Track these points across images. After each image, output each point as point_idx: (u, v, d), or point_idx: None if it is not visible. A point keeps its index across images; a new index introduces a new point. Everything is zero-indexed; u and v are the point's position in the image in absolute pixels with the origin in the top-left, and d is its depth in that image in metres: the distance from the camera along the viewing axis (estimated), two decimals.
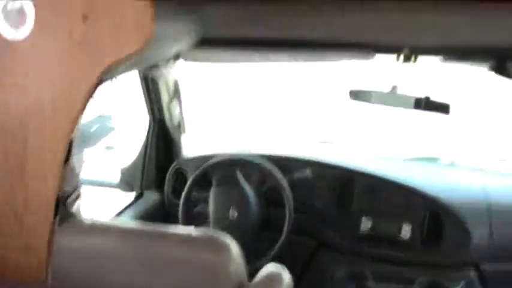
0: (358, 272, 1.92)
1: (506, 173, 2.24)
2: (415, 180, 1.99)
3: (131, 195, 2.17)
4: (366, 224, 1.94)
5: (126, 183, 2.19)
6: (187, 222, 1.92)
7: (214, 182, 1.91)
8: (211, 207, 1.90)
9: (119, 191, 2.19)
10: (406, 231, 1.91)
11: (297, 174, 1.99)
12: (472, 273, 1.90)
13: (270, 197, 2.00)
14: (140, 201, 2.14)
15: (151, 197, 2.17)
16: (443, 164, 2.37)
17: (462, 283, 1.87)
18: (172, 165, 2.17)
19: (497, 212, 1.92)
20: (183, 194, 1.94)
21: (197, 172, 1.93)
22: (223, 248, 0.96)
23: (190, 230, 1.05)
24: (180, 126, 2.14)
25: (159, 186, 2.19)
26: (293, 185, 1.98)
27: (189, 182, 1.95)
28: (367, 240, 1.95)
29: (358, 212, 1.96)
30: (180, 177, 2.16)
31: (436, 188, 1.96)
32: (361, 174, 1.99)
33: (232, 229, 1.86)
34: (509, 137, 2.70)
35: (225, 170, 1.91)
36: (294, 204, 1.90)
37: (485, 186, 2.01)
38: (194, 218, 2.02)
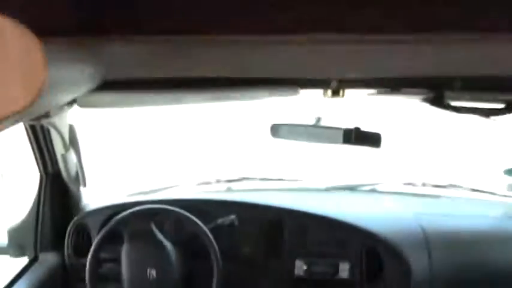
0: None
1: (430, 195, 2.18)
2: (346, 213, 1.85)
3: (23, 260, 1.82)
4: (300, 267, 1.76)
5: (16, 246, 1.84)
6: (95, 286, 1.62)
7: (126, 238, 1.64)
8: (124, 267, 1.62)
9: (6, 257, 1.83)
10: (343, 270, 1.75)
11: (220, 220, 1.77)
12: None
13: (192, 248, 1.77)
14: (35, 266, 1.80)
15: (49, 259, 1.84)
16: (365, 190, 2.26)
17: None
18: (73, 221, 1.86)
19: (434, 240, 1.82)
20: (90, 253, 1.64)
21: (106, 228, 1.65)
22: None
23: None
24: (78, 178, 1.85)
25: (57, 247, 1.86)
26: (217, 233, 1.76)
27: (97, 239, 1.65)
28: (303, 285, 1.77)
29: (290, 255, 1.78)
30: (82, 234, 1.85)
31: (369, 220, 1.83)
32: (289, 212, 1.82)
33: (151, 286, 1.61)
34: (423, 159, 2.68)
35: (138, 222, 1.64)
36: (220, 253, 1.68)
37: (417, 213, 1.91)
38: (104, 279, 1.72)
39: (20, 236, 1.83)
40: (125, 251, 1.63)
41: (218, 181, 2.21)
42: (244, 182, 2.22)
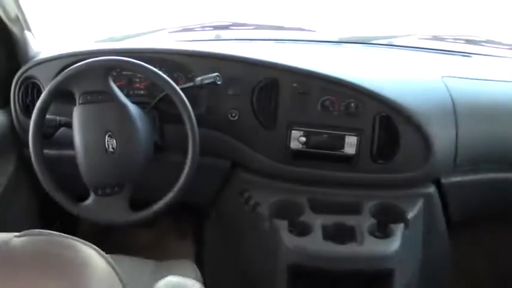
0: (288, 201, 1.44)
1: (462, 53, 1.79)
2: (357, 73, 1.49)
3: None
4: (296, 138, 1.44)
5: None
6: (39, 151, 1.30)
7: (77, 98, 1.28)
8: (76, 137, 1.29)
9: None
10: (350, 144, 1.43)
11: (199, 79, 1.41)
12: (432, 190, 1.49)
13: (161, 112, 1.43)
14: None
15: None
16: (382, 45, 1.87)
17: (420, 203, 1.46)
18: (19, 72, 1.50)
19: (464, 110, 1.48)
20: (34, 111, 1.30)
21: (52, 83, 1.29)
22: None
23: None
24: (18, 20, 1.44)
25: (4, 103, 1.52)
26: (193, 94, 1.41)
27: (42, 95, 1.30)
28: (300, 158, 1.46)
29: (285, 123, 1.44)
30: (32, 89, 1.50)
31: (384, 83, 1.47)
32: (287, 70, 1.45)
33: (111, 165, 1.30)
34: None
35: (92, 78, 1.28)
36: (199, 117, 1.35)
37: (445, 76, 1.55)
38: (57, 144, 1.41)
39: None
40: (76, 114, 1.29)
41: (203, 27, 1.81)
42: (235, 29, 1.81)
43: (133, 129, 1.29)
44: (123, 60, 1.29)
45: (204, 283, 1.79)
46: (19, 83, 1.49)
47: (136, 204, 1.34)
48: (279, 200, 1.44)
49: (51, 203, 1.33)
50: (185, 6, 2.20)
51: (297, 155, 1.45)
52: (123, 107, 1.29)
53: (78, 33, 1.87)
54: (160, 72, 1.30)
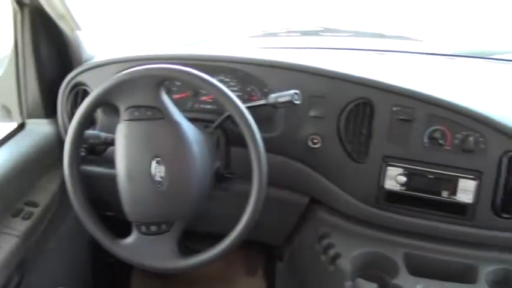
0: (378, 255, 1.14)
1: None
2: (476, 97, 1.15)
3: (11, 126, 1.33)
4: (393, 176, 1.13)
5: (2, 108, 1.35)
6: (75, 175, 1.07)
7: (123, 114, 1.05)
8: (119, 158, 1.05)
9: None
10: (466, 189, 1.10)
11: (273, 96, 1.14)
12: None
13: (231, 133, 1.18)
14: (20, 136, 1.30)
15: (39, 128, 1.33)
16: (506, 60, 1.51)
17: None
18: (68, 77, 1.30)
19: None
20: (69, 131, 1.07)
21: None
22: None
23: None
24: (64, 18, 1.24)
25: (50, 111, 1.33)
26: (271, 113, 1.14)
27: (79, 111, 1.07)
28: (396, 202, 1.15)
29: (380, 156, 1.14)
30: (83, 96, 1.30)
31: None
32: (386, 91, 1.14)
33: (158, 198, 1.06)
34: None
35: (141, 92, 1.03)
36: (272, 141, 1.08)
37: None
38: (107, 163, 1.19)
39: (3, 95, 1.32)
40: (119, 133, 1.05)
41: (288, 33, 1.53)
42: (326, 36, 1.53)
43: (188, 154, 1.04)
44: (177, 70, 1.04)
45: None
46: (68, 89, 1.30)
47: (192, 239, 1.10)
48: (366, 252, 1.14)
49: None
50: (270, 7, 1.92)
51: (393, 197, 1.14)
52: (177, 126, 1.04)
53: (143, 37, 1.66)
54: (219, 85, 1.04)
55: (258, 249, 1.64)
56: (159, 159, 1.03)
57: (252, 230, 1.05)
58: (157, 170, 1.03)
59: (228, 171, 1.23)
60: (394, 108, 1.13)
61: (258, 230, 1.08)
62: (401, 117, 1.13)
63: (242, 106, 1.05)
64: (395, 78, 1.17)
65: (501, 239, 1.11)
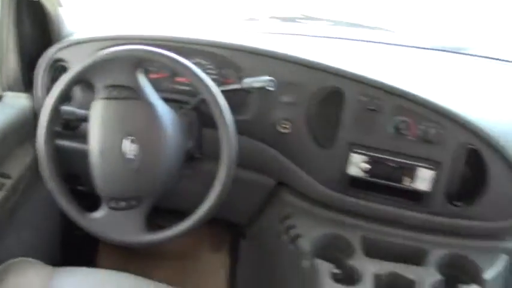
0: (337, 236, 1.20)
1: None
2: (442, 91, 1.21)
3: None
4: (357, 162, 1.18)
5: None
6: (48, 149, 1.11)
7: (99, 92, 1.09)
8: (92, 134, 1.09)
9: None
10: (423, 178, 1.16)
11: (247, 81, 1.19)
12: None
13: (205, 114, 1.22)
14: None
15: (16, 101, 1.35)
16: (478, 56, 1.56)
17: (502, 260, 1.17)
18: (47, 52, 1.32)
19: None
20: (44, 107, 1.11)
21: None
22: None
23: None
24: None
25: (31, 86, 1.36)
26: (244, 97, 1.19)
27: (55, 88, 1.10)
28: (358, 187, 1.20)
29: (346, 143, 1.19)
30: (61, 73, 1.32)
31: (478, 107, 1.19)
32: (356, 81, 1.19)
33: (128, 175, 1.10)
34: None
35: (118, 72, 1.07)
36: (243, 124, 1.13)
37: None
38: (81, 137, 1.23)
39: None
40: (94, 110, 1.09)
41: (269, 18, 1.56)
42: (304, 23, 1.56)
43: (161, 134, 1.08)
44: (154, 52, 1.07)
45: None
46: (46, 64, 1.32)
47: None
48: (325, 234, 1.20)
49: None
50: None
51: (355, 183, 1.20)
52: (151, 107, 1.08)
53: (124, 14, 1.68)
54: (194, 68, 1.08)
55: (224, 227, 1.70)
56: (132, 138, 1.07)
57: (219, 208, 1.10)
58: (130, 149, 1.07)
59: (199, 151, 1.27)
60: (363, 98, 1.18)
61: (224, 209, 1.13)
62: (368, 107, 1.17)
63: (215, 89, 1.09)
64: (366, 69, 1.22)
65: (451, 225, 1.17)
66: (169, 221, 1.13)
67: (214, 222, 1.60)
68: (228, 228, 1.70)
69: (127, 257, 1.65)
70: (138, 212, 1.10)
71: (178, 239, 1.56)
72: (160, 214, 1.20)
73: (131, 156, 1.07)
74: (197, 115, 1.25)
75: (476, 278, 1.12)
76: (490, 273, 1.13)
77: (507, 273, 1.17)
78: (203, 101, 1.19)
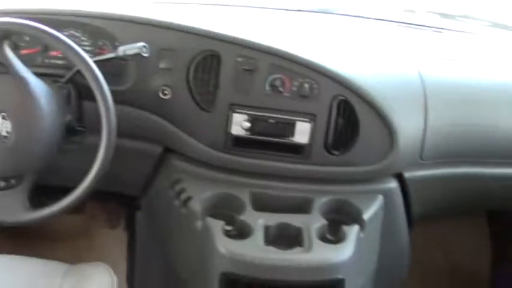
0: (227, 195, 1.24)
1: (435, 28, 1.59)
2: (312, 48, 1.27)
3: None
4: (239, 122, 1.22)
5: None
6: None
7: None
8: None
9: None
10: (302, 131, 1.22)
11: (121, 49, 1.18)
12: (393, 185, 1.31)
13: (82, 86, 1.19)
14: None
15: None
16: (344, 15, 1.66)
17: (378, 200, 1.27)
18: None
19: (434, 94, 1.29)
20: None
21: None
22: None
23: None
24: None
25: None
26: (122, 66, 1.18)
27: None
28: (242, 146, 1.24)
29: (226, 104, 1.22)
30: None
31: (344, 61, 1.27)
32: (230, 43, 1.22)
33: (4, 153, 1.06)
34: None
35: None
36: (123, 94, 1.12)
37: (413, 54, 1.35)
38: None
39: None
40: None
41: None
42: None
43: (35, 109, 1.05)
44: (21, 24, 1.03)
45: (133, 276, 1.60)
46: None
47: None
48: (215, 194, 1.23)
49: None
50: None
51: (239, 142, 1.24)
52: (22, 81, 1.04)
53: None
54: (64, 39, 1.05)
55: (119, 201, 1.68)
56: (4, 114, 1.02)
57: (108, 181, 1.10)
58: (3, 126, 1.03)
59: (81, 125, 1.24)
60: (239, 59, 1.21)
61: (114, 181, 1.13)
62: (245, 68, 1.21)
63: (89, 60, 1.07)
64: (241, 31, 1.25)
65: (332, 173, 1.25)
66: (58, 199, 1.11)
67: (107, 198, 1.58)
68: (123, 203, 1.68)
69: (17, 240, 1.59)
70: (19, 191, 1.06)
71: (70, 218, 1.53)
72: (48, 192, 1.17)
73: (4, 134, 1.03)
74: (74, 88, 1.22)
75: (357, 219, 1.21)
76: (368, 214, 1.22)
77: (383, 210, 1.28)
78: (78, 72, 1.17)
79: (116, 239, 1.71)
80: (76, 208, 1.61)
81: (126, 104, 1.22)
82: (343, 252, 1.14)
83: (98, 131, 1.09)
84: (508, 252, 1.75)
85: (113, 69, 1.18)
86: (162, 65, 1.22)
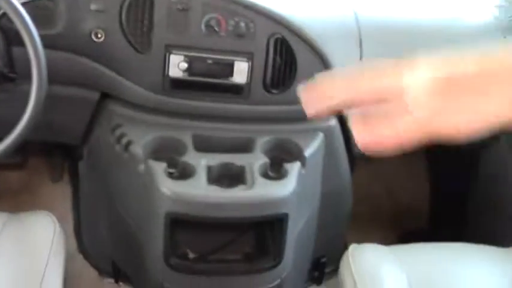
0: (168, 138, 1.23)
1: None
2: None
3: None
4: (176, 63, 1.21)
5: None
6: None
7: None
8: None
9: None
10: (240, 71, 1.22)
11: None
12: (333, 123, 1.33)
13: (10, 32, 1.13)
14: None
15: None
16: None
17: (319, 138, 1.29)
18: None
19: (369, 33, 1.31)
20: None
21: None
22: None
23: None
24: None
25: None
26: (52, 9, 1.14)
27: None
28: (181, 88, 1.23)
29: (162, 46, 1.20)
30: None
31: (280, 2, 1.26)
32: None
33: None
34: None
35: None
36: (55, 38, 1.09)
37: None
38: None
39: None
40: None
41: None
42: None
43: None
44: None
45: (79, 227, 1.59)
46: None
47: None
48: (156, 137, 1.22)
49: None
50: None
51: (178, 84, 1.23)
52: None
53: None
54: None
55: (61, 154, 1.65)
56: None
57: (47, 131, 1.07)
58: None
59: (12, 71, 1.20)
60: None
61: (52, 131, 1.10)
62: (178, 7, 1.19)
63: (15, 2, 1.03)
64: None
65: (272, 113, 1.27)
66: None
67: (50, 151, 1.54)
68: (65, 155, 1.65)
69: None
70: None
71: (13, 174, 1.49)
72: None
73: None
74: (1, 33, 1.16)
75: (298, 156, 1.23)
76: (309, 151, 1.25)
77: (324, 148, 1.30)
78: (4, 16, 1.11)
79: (60, 192, 1.68)
80: (18, 164, 1.58)
81: (58, 49, 1.17)
82: (286, 187, 1.16)
83: (30, 78, 1.05)
84: (443, 187, 1.83)
85: (42, 11, 1.13)
86: (93, 7, 1.18)
